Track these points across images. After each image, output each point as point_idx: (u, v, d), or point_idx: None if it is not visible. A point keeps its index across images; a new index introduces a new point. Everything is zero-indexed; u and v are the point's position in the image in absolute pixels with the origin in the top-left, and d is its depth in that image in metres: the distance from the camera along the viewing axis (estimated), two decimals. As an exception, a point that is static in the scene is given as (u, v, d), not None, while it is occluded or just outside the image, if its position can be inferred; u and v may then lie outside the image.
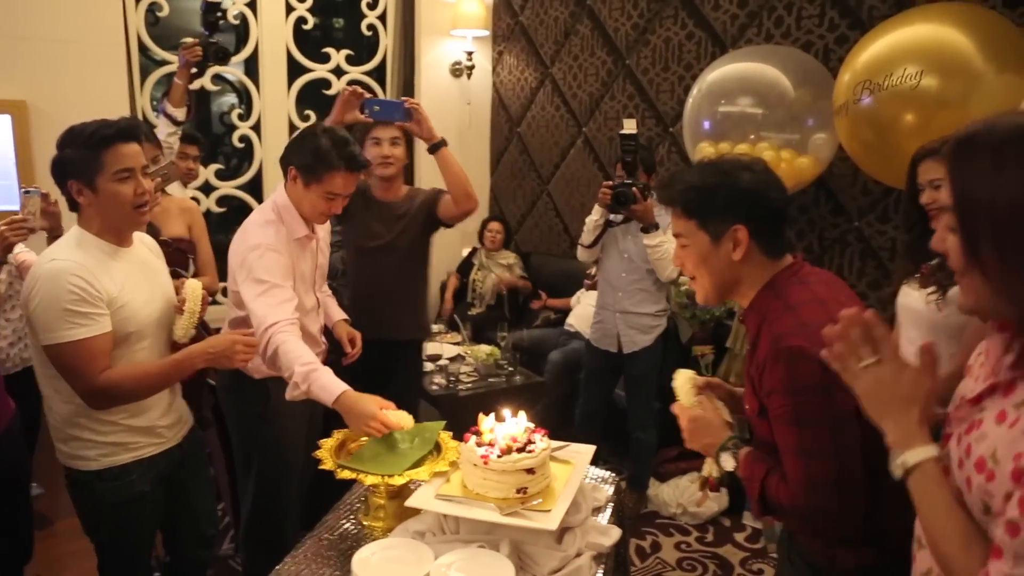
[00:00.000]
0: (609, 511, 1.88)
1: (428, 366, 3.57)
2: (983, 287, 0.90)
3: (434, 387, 3.41)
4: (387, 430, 1.80)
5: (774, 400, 1.32)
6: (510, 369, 3.58)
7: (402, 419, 1.84)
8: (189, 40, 3.03)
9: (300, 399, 1.90)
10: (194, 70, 3.07)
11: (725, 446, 1.44)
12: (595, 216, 3.15)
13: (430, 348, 3.66)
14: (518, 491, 1.63)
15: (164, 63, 4.49)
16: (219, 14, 3.15)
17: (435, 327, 4.34)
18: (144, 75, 4.43)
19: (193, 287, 1.88)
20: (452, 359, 3.62)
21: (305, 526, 1.84)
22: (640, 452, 3.30)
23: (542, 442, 1.70)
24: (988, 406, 0.93)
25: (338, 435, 1.89)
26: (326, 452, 1.80)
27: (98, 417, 1.72)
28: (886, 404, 0.99)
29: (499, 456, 1.63)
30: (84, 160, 1.65)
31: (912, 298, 1.92)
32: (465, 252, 5.12)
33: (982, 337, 1.70)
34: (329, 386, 1.85)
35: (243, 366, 1.88)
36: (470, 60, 5.16)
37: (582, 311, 4.09)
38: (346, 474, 1.72)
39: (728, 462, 1.43)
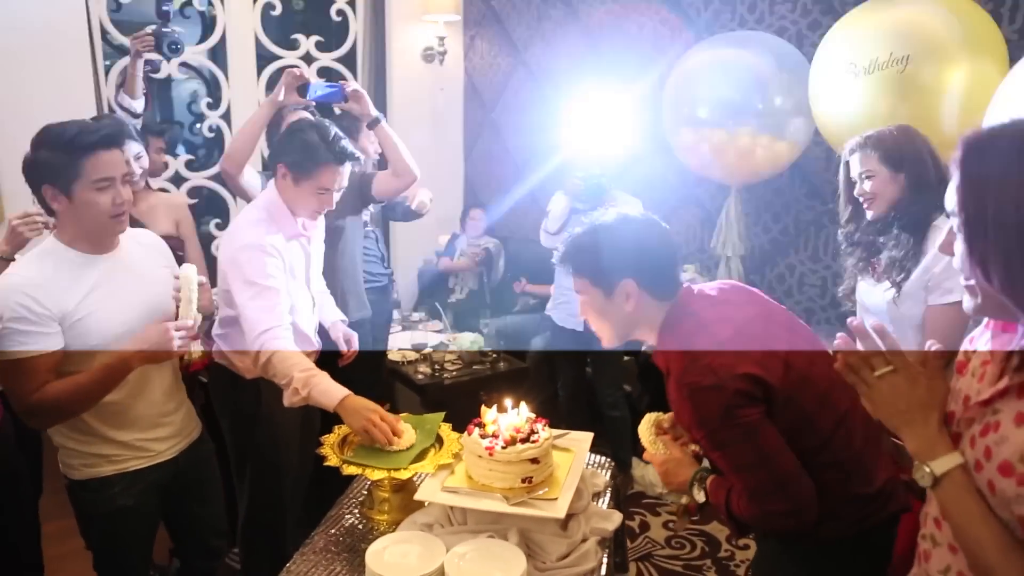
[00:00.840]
0: (608, 496, 1.92)
1: (412, 355, 3.59)
2: (989, 293, 0.92)
3: (420, 376, 3.42)
4: (386, 426, 1.78)
5: (695, 432, 1.45)
6: (494, 356, 3.60)
7: (405, 430, 1.85)
8: (140, 32, 2.95)
9: (300, 405, 1.88)
10: (148, 60, 3.00)
11: (693, 480, 1.53)
12: (562, 204, 3.20)
13: (414, 337, 3.67)
14: (523, 481, 1.66)
15: (128, 52, 4.38)
16: (171, 1, 3.09)
17: (416, 315, 4.35)
18: (107, 65, 4.32)
19: (186, 274, 1.78)
20: (435, 347, 3.63)
21: (310, 522, 1.84)
22: (615, 431, 3.37)
23: (544, 432, 1.73)
24: (1003, 408, 0.94)
25: (339, 430, 1.90)
26: (330, 448, 1.81)
27: (78, 428, 1.68)
28: (903, 413, 1.00)
29: (504, 447, 1.65)
30: (61, 165, 1.55)
31: (870, 294, 1.98)
32: (443, 239, 5.11)
33: (944, 324, 1.76)
34: (330, 391, 1.84)
35: (183, 351, 1.73)
36: (442, 46, 5.11)
37: (562, 296, 4.12)
38: (352, 469, 1.73)
39: (699, 495, 1.52)
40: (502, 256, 4.80)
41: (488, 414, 1.77)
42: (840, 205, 2.09)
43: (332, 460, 1.76)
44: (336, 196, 2.16)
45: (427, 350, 3.56)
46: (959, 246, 0.94)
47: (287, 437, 2.21)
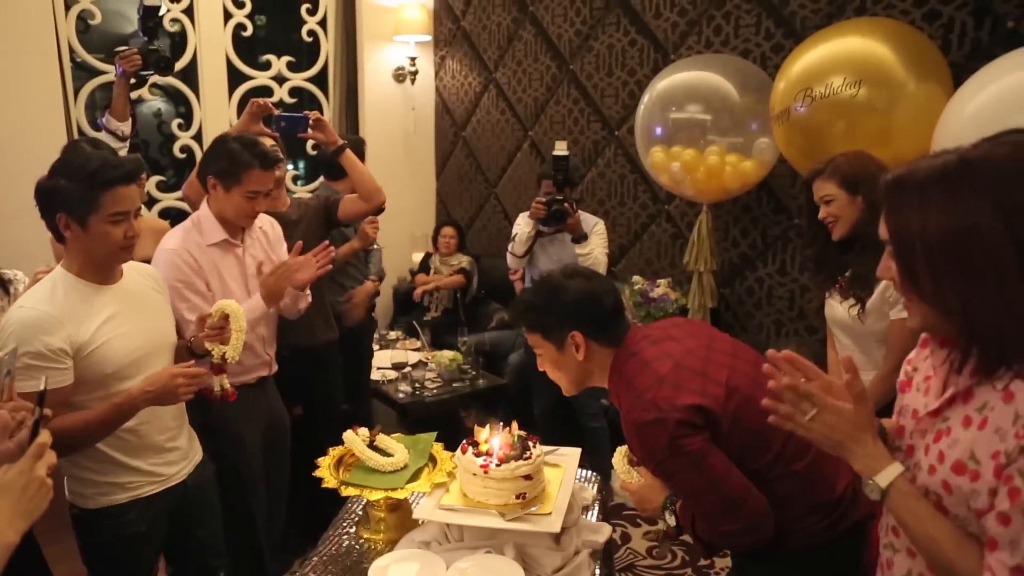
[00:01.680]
0: (596, 509, 1.98)
1: (390, 374, 3.62)
2: (925, 308, 1.02)
3: (400, 395, 3.45)
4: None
5: (648, 465, 1.57)
6: (473, 373, 3.65)
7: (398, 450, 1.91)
8: (127, 48, 2.89)
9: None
10: (133, 80, 2.95)
11: (665, 506, 1.60)
12: (527, 229, 3.30)
13: (394, 356, 3.70)
14: (517, 497, 1.71)
15: (97, 73, 4.36)
16: (158, 19, 3.05)
17: (392, 333, 4.37)
18: (77, 86, 4.29)
19: (234, 308, 1.89)
20: (414, 365, 3.66)
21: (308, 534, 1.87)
22: (596, 442, 3.43)
23: (536, 449, 1.78)
24: (951, 415, 1.03)
25: (334, 452, 1.93)
26: (326, 471, 1.83)
27: (93, 457, 1.69)
28: (842, 442, 1.09)
29: (498, 465, 1.70)
30: (80, 196, 1.59)
31: (837, 310, 2.09)
32: (416, 257, 5.15)
33: (903, 337, 1.87)
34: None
35: (187, 399, 1.75)
36: (413, 66, 5.18)
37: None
38: (350, 491, 1.77)
39: (671, 519, 1.59)
40: (475, 273, 4.85)
41: (482, 433, 1.82)
42: (805, 227, 2.20)
43: (330, 482, 1.79)
44: (264, 200, 2.27)
45: (406, 369, 3.59)
46: (894, 267, 1.05)
47: (247, 447, 2.29)
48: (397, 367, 3.58)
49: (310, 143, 4.66)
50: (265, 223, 2.44)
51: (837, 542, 1.49)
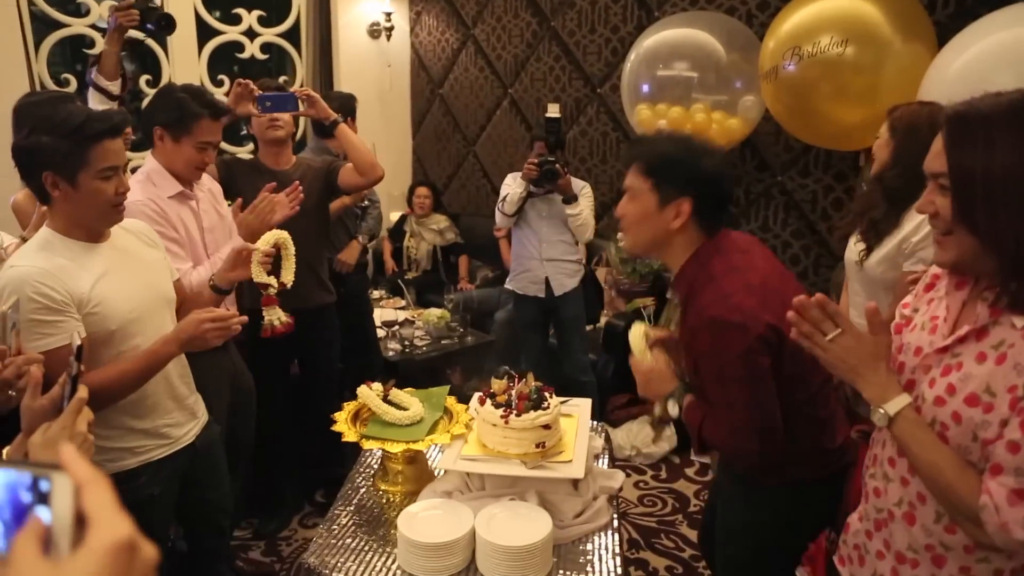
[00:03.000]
0: (606, 457, 2.04)
1: (380, 332, 3.62)
2: (969, 244, 1.06)
3: (391, 352, 3.46)
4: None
5: (704, 362, 1.53)
6: (461, 331, 3.67)
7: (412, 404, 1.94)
8: (122, 2, 2.71)
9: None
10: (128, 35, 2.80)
11: (672, 395, 1.64)
12: (519, 189, 3.28)
13: (384, 315, 3.70)
14: (537, 446, 1.76)
15: (59, 25, 4.18)
16: None
17: (376, 292, 4.36)
18: (38, 40, 4.11)
19: (284, 236, 1.97)
20: (402, 324, 3.67)
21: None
22: (585, 396, 3.49)
23: (552, 399, 1.83)
24: (963, 352, 1.09)
25: (349, 407, 1.95)
26: (344, 425, 1.85)
27: (104, 422, 1.64)
28: (856, 367, 1.14)
29: (518, 415, 1.74)
30: (66, 152, 1.51)
31: (851, 251, 2.11)
32: (394, 217, 5.12)
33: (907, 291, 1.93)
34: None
35: (218, 343, 1.75)
36: (388, 21, 5.07)
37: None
38: (372, 444, 1.79)
39: (673, 409, 1.64)
40: (456, 235, 4.84)
41: (498, 384, 1.86)
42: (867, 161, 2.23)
43: (349, 436, 1.81)
44: (213, 152, 2.24)
45: (395, 328, 3.60)
46: (942, 201, 1.08)
47: (214, 412, 2.16)
48: (387, 325, 3.59)
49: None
50: (207, 180, 2.38)
51: (824, 480, 1.61)
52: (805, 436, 1.55)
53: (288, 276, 2.07)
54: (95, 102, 2.77)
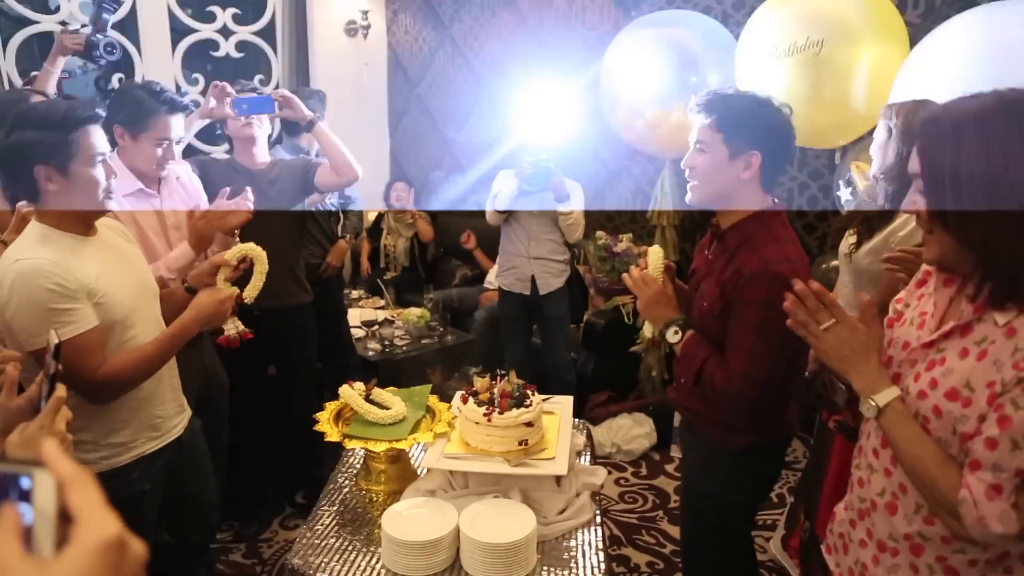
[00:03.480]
0: (588, 454, 2.06)
1: (358, 333, 3.61)
2: (947, 242, 1.09)
3: (370, 352, 3.45)
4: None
5: (748, 308, 1.61)
6: (441, 330, 3.67)
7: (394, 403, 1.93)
8: (70, 28, 2.78)
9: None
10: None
11: (674, 322, 1.75)
12: (511, 185, 3.28)
13: (364, 314, 3.69)
14: (520, 443, 1.76)
15: (28, 22, 4.11)
16: (114, 8, 2.87)
17: (355, 292, 4.34)
18: (5, 36, 4.04)
19: (255, 249, 1.91)
20: (382, 323, 3.66)
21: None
22: (566, 393, 3.51)
23: (535, 396, 1.84)
24: (947, 347, 1.11)
25: (331, 406, 1.94)
26: (327, 425, 1.84)
27: (100, 418, 1.66)
28: (848, 358, 1.17)
29: (501, 413, 1.75)
30: (55, 143, 1.52)
31: (844, 245, 2.17)
32: (371, 216, 5.09)
33: (893, 283, 1.99)
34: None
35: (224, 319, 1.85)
36: (365, 19, 5.05)
37: (500, 269, 4.23)
38: (354, 443, 1.78)
39: (672, 336, 1.75)
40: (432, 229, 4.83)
41: (480, 383, 1.86)
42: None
43: (332, 435, 1.80)
44: (177, 148, 2.23)
45: (375, 327, 3.58)
46: (921, 201, 1.11)
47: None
48: (367, 325, 3.57)
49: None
50: (183, 173, 2.37)
51: (771, 448, 1.83)
52: (773, 403, 1.74)
53: (251, 294, 1.95)
54: None
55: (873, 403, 1.14)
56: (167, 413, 1.82)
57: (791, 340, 1.50)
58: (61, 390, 1.11)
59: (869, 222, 2.04)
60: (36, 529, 0.45)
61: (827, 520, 1.46)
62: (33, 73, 2.96)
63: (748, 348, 1.61)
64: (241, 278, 1.95)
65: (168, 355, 1.74)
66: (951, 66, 2.39)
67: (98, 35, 2.74)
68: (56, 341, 1.18)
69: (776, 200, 1.72)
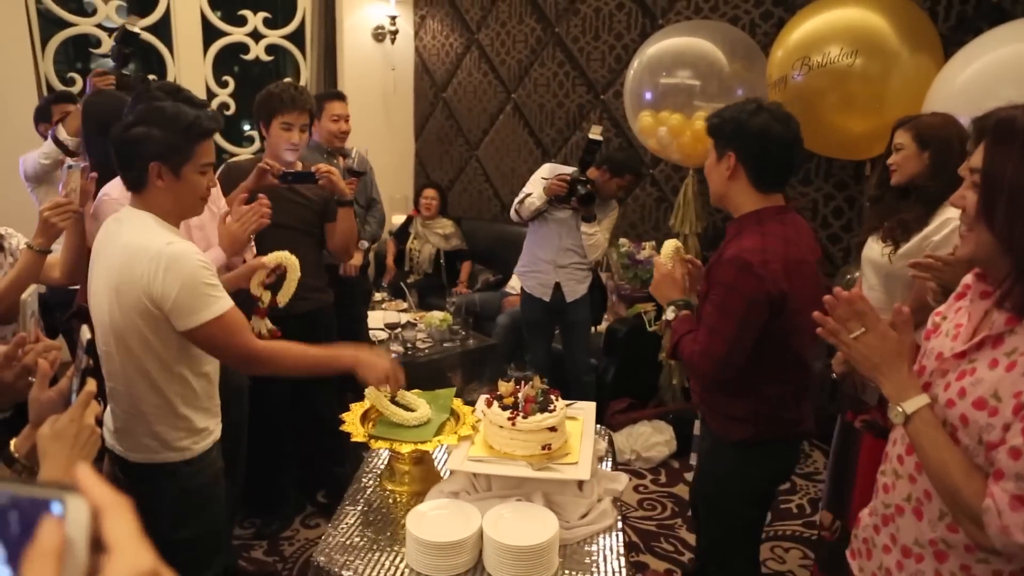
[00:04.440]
0: (609, 460, 2.07)
1: (380, 335, 3.64)
2: (987, 240, 1.10)
3: (393, 355, 3.48)
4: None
5: (716, 289, 1.78)
6: (463, 333, 3.69)
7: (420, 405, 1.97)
8: (103, 71, 2.89)
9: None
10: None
11: (675, 303, 1.92)
12: (539, 202, 3.29)
13: (386, 317, 3.72)
14: (543, 448, 1.78)
15: (65, 24, 4.20)
16: (135, 45, 3.00)
17: (378, 295, 4.38)
18: (44, 38, 4.14)
19: (290, 258, 2.01)
20: (404, 326, 3.69)
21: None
22: (585, 397, 3.52)
23: (559, 402, 1.85)
24: (978, 358, 1.12)
25: (357, 407, 1.96)
26: (353, 425, 1.87)
27: (196, 404, 1.72)
28: (878, 365, 1.18)
29: (525, 417, 1.76)
30: (176, 146, 1.60)
31: (873, 251, 2.20)
32: (396, 220, 5.14)
33: (925, 291, 2.00)
34: None
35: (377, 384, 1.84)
36: (393, 25, 5.10)
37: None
38: (381, 444, 1.81)
39: (670, 314, 1.92)
40: (460, 239, 4.86)
41: (505, 388, 1.88)
42: (873, 171, 2.32)
43: (358, 436, 1.83)
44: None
45: (398, 330, 3.61)
46: (971, 196, 1.13)
47: None
48: (390, 327, 3.61)
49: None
50: (205, 188, 2.39)
51: (777, 443, 1.92)
52: (772, 392, 1.84)
53: (284, 299, 2.08)
54: (46, 148, 2.94)
55: (901, 410, 1.15)
56: (218, 400, 1.87)
57: (751, 327, 1.73)
58: (91, 384, 1.14)
59: (906, 226, 2.06)
60: (66, 558, 0.42)
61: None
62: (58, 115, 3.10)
63: (711, 325, 1.76)
64: (276, 283, 2.04)
65: (316, 368, 1.80)
66: (986, 78, 2.39)
67: (124, 72, 2.91)
68: (88, 336, 1.21)
69: (786, 200, 1.85)
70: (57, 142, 2.90)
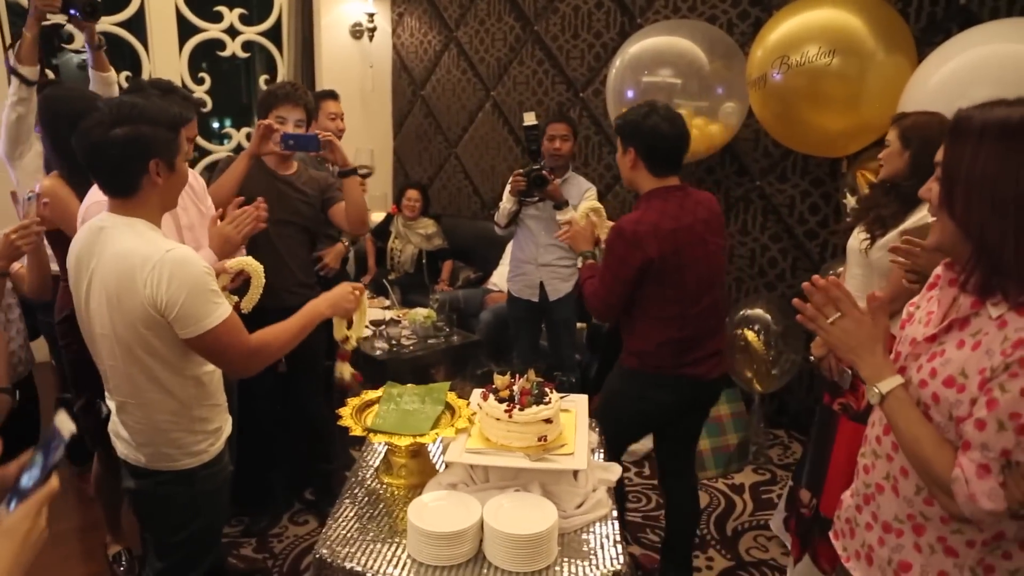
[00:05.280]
0: (601, 451, 2.11)
1: (366, 331, 3.63)
2: (950, 228, 1.18)
3: (378, 351, 3.48)
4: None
5: (605, 248, 2.24)
6: (447, 330, 3.71)
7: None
8: None
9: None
10: (57, 25, 2.75)
11: (584, 254, 2.41)
12: (508, 204, 3.32)
13: (370, 314, 3.71)
14: (539, 439, 1.81)
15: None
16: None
17: (359, 293, 4.37)
18: (15, 32, 4.06)
19: (253, 263, 2.01)
20: (388, 323, 3.69)
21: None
22: (569, 391, 3.57)
23: (553, 394, 1.88)
24: (947, 340, 1.21)
25: (353, 402, 1.98)
26: (350, 420, 1.89)
27: (209, 401, 1.72)
28: (855, 348, 1.25)
29: (521, 409, 1.79)
30: (168, 141, 1.61)
31: (854, 241, 2.28)
32: (377, 217, 5.12)
33: (901, 276, 2.08)
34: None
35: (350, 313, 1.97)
36: (371, 22, 5.09)
37: (503, 270, 4.28)
38: (379, 438, 1.83)
39: (579, 262, 2.40)
40: (441, 238, 4.86)
41: (500, 381, 1.90)
42: (850, 167, 2.46)
43: (356, 430, 1.84)
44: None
45: (382, 327, 3.62)
46: (936, 188, 1.21)
47: None
48: (374, 324, 3.61)
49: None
50: (189, 177, 2.38)
51: (666, 379, 2.30)
52: (656, 337, 2.24)
53: (248, 305, 2.07)
54: (12, 88, 2.73)
55: (877, 390, 1.22)
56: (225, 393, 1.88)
57: (622, 279, 2.17)
58: (54, 482, 1.00)
59: (883, 221, 2.13)
60: None
61: (832, 497, 1.53)
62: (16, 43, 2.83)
63: (600, 275, 2.24)
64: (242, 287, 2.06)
65: (301, 333, 1.82)
66: (958, 78, 2.47)
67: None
68: (73, 430, 1.02)
69: (679, 181, 2.23)
70: (16, 74, 2.69)
